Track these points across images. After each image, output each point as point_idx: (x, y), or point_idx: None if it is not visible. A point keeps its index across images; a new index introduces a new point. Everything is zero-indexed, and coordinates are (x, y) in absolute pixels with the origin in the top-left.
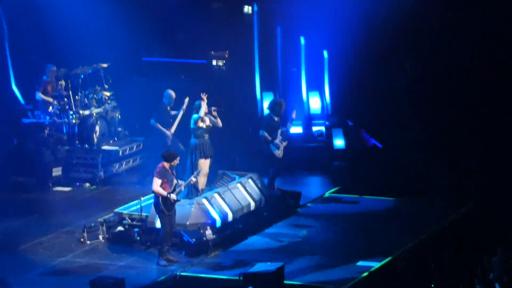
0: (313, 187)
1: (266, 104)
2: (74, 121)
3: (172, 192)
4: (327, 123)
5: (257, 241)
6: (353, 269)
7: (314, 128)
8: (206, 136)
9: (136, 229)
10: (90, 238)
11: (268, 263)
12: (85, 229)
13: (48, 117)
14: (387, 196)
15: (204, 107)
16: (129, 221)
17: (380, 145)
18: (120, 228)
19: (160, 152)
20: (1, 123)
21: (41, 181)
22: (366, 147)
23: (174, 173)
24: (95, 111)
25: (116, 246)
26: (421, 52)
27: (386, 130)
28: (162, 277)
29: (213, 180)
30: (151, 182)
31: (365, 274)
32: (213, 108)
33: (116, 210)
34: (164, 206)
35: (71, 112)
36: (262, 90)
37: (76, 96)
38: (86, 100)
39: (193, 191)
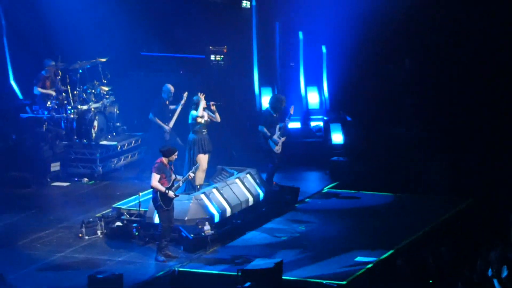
0: (312, 182)
1: (264, 99)
2: (72, 116)
3: (171, 187)
4: (325, 118)
5: (255, 236)
6: (352, 265)
7: (313, 124)
8: (205, 131)
9: (134, 225)
10: (89, 233)
11: (267, 258)
12: (84, 225)
13: (46, 112)
14: (386, 191)
15: (202, 106)
16: (128, 216)
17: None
18: (118, 223)
19: (159, 147)
20: None
21: (39, 176)
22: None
23: (173, 168)
24: (93, 106)
25: (115, 242)
26: (421, 48)
27: (385, 126)
28: (161, 273)
29: (211, 175)
30: (149, 177)
31: (363, 269)
32: (211, 103)
33: (115, 205)
34: (163, 201)
35: (70, 107)
36: (260, 85)
37: (75, 91)
38: (84, 95)
39: (191, 186)
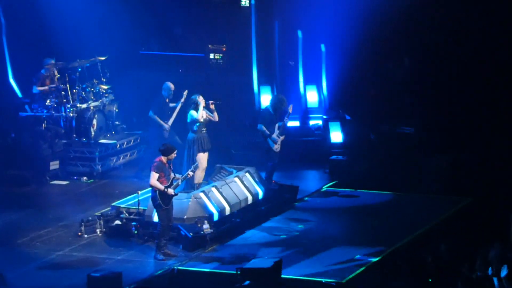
0: (311, 181)
1: (263, 97)
2: (71, 114)
3: (170, 186)
4: (324, 117)
5: (254, 235)
6: (351, 263)
7: (312, 122)
8: (204, 130)
9: (133, 223)
10: (88, 232)
11: (266, 257)
12: (83, 223)
13: (45, 111)
14: (385, 190)
15: (201, 108)
16: (127, 215)
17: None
18: (117, 222)
19: (158, 145)
20: None
21: (38, 174)
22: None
23: (172, 167)
24: (92, 104)
25: (114, 240)
26: (421, 47)
27: (384, 124)
28: (160, 271)
29: (210, 174)
30: (148, 176)
31: (363, 268)
32: (210, 102)
33: (114, 204)
34: (162, 200)
35: (69, 106)
36: (259, 83)
37: (74, 90)
38: (83, 93)
39: (190, 185)
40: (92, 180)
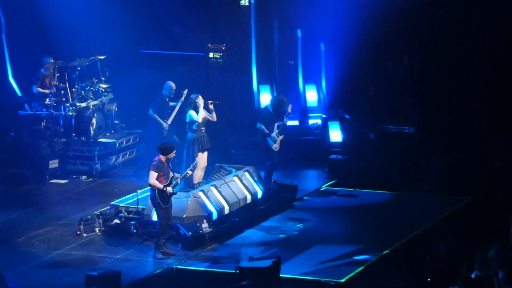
0: (310, 180)
1: (263, 97)
2: (70, 113)
3: (169, 185)
4: (323, 116)
5: (253, 234)
6: (350, 263)
7: (311, 121)
8: (203, 129)
9: (132, 222)
10: (87, 230)
11: (264, 256)
12: (82, 222)
13: (44, 109)
14: (384, 190)
15: (201, 110)
16: (126, 214)
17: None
18: (116, 221)
19: (157, 144)
20: None
21: (37, 173)
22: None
23: (171, 166)
24: (92, 103)
25: (113, 239)
26: (420, 46)
27: (383, 124)
28: (159, 270)
29: (209, 173)
30: (147, 175)
31: (362, 267)
32: (209, 101)
33: (113, 203)
34: (161, 199)
35: (68, 105)
36: (258, 83)
37: (73, 89)
38: (83, 92)
39: (189, 184)
40: (91, 179)
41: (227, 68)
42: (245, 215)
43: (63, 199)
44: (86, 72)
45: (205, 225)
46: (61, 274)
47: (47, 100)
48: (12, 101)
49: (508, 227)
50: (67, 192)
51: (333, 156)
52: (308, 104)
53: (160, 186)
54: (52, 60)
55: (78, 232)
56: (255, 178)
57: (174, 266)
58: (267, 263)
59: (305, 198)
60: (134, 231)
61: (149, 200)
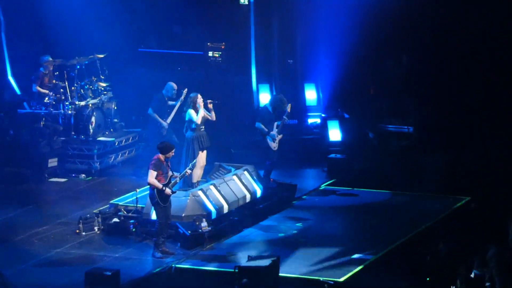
0: (309, 179)
1: (262, 96)
2: (70, 112)
3: (168, 184)
4: (323, 115)
5: (252, 233)
6: (349, 262)
7: (310, 120)
8: (202, 128)
9: (131, 221)
10: (86, 229)
11: (264, 255)
12: (81, 221)
13: (44, 108)
14: (384, 189)
15: (201, 111)
16: (125, 212)
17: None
18: (115, 219)
19: (156, 143)
20: None
21: (36, 172)
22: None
23: (169, 165)
24: (91, 102)
25: (112, 238)
26: (419, 45)
27: (383, 123)
28: (158, 269)
29: (209, 172)
30: (146, 174)
31: (361, 267)
32: (208, 101)
33: (112, 201)
34: (160, 198)
35: (67, 103)
36: (258, 82)
37: (72, 87)
38: (82, 91)
39: (188, 183)
40: (90, 178)
41: (226, 67)
42: (244, 214)
43: (62, 197)
44: (86, 71)
45: (204, 224)
46: (60, 273)
47: (46, 98)
48: (11, 99)
49: (507, 227)
50: (66, 190)
51: (332, 155)
52: (307, 103)
53: (159, 185)
54: (50, 59)
55: (77, 231)
56: (255, 177)
57: (173, 265)
58: (266, 262)
59: (304, 197)
60: (133, 229)
61: (148, 199)
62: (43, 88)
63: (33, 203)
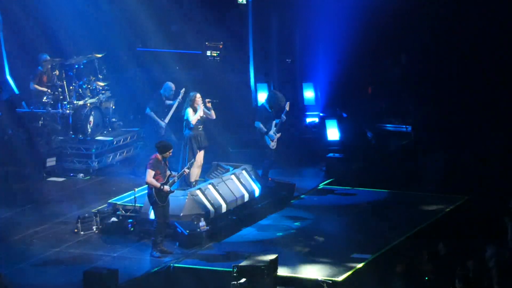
0: (307, 178)
1: (260, 95)
2: (68, 111)
3: (166, 183)
4: (321, 114)
5: (251, 232)
6: (347, 261)
7: (308, 120)
8: (200, 127)
9: (130, 220)
10: (84, 228)
11: (262, 254)
12: (79, 220)
13: (42, 107)
14: (382, 188)
15: (200, 111)
16: (123, 212)
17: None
18: (114, 219)
19: (154, 142)
20: None
21: (34, 171)
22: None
23: (168, 164)
24: (89, 101)
25: (110, 237)
26: (418, 43)
27: (381, 122)
28: (156, 268)
29: (207, 171)
30: (145, 173)
31: (359, 266)
32: (207, 100)
33: (110, 200)
34: (158, 197)
35: (65, 102)
36: (256, 81)
37: (71, 86)
38: (80, 90)
39: (186, 182)
40: (88, 177)
41: (224, 66)
42: (242, 213)
43: (60, 197)
44: (84, 70)
45: (202, 223)
46: (59, 272)
47: (45, 98)
48: (9, 99)
49: (505, 226)
50: (64, 190)
51: (330, 155)
52: (306, 102)
53: (157, 184)
54: (48, 58)
55: (76, 230)
56: (253, 177)
57: (171, 264)
58: (264, 261)
59: (303, 196)
60: (132, 229)
61: (147, 198)
62: (41, 87)
63: (31, 203)
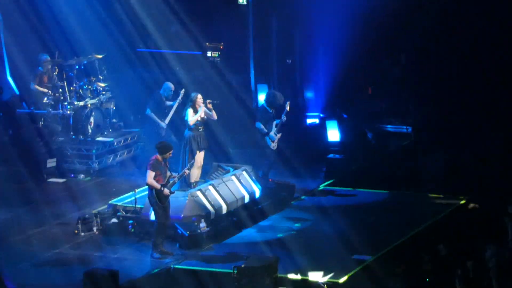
0: (307, 179)
1: (261, 96)
2: (68, 112)
3: (166, 184)
4: (321, 115)
5: (251, 234)
6: (348, 263)
7: (309, 120)
8: (201, 129)
9: (130, 221)
10: (84, 229)
11: (262, 256)
12: (79, 221)
13: (42, 108)
14: (382, 189)
15: (201, 111)
16: (123, 213)
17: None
18: (114, 220)
19: (154, 143)
20: None
21: (35, 172)
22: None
23: (168, 165)
24: (89, 102)
25: (110, 238)
26: (418, 43)
27: (381, 123)
28: (156, 270)
29: (207, 172)
30: (145, 174)
31: (360, 267)
32: (208, 101)
33: (111, 201)
34: (158, 198)
35: (66, 103)
36: (256, 82)
37: (71, 87)
38: (81, 91)
39: (186, 183)
40: (89, 178)
41: (225, 67)
42: (243, 214)
43: (61, 197)
44: (84, 71)
45: (203, 224)
46: (59, 273)
47: (45, 99)
48: (10, 99)
49: (505, 226)
50: (65, 190)
51: (331, 156)
52: (306, 103)
53: (158, 185)
54: (48, 58)
55: (76, 231)
56: (253, 177)
57: (171, 266)
58: (265, 262)
59: (303, 197)
60: (132, 230)
61: (147, 199)
62: (41, 88)
63: (32, 203)
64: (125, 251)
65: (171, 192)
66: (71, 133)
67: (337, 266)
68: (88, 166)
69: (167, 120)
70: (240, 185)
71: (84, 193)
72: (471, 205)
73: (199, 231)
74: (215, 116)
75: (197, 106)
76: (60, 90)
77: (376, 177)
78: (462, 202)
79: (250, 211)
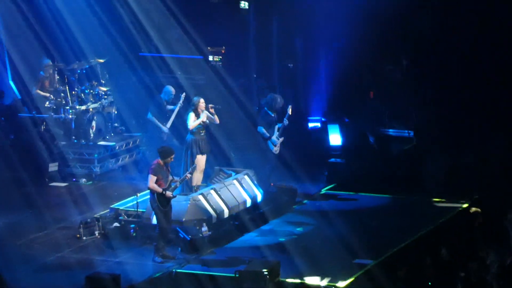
0: (309, 184)
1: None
2: (70, 116)
3: (168, 188)
4: (323, 119)
5: (253, 238)
6: (350, 267)
7: (310, 125)
8: (203, 133)
9: (132, 225)
10: (86, 234)
11: (264, 260)
12: (81, 225)
13: (44, 112)
14: (384, 193)
15: (204, 117)
16: (125, 217)
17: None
18: (116, 224)
19: (156, 147)
20: None
21: (37, 176)
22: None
23: (169, 169)
24: (91, 106)
25: (112, 242)
26: (419, 48)
27: (383, 127)
28: (158, 274)
29: (209, 176)
30: (147, 178)
31: (362, 271)
32: (210, 105)
33: (112, 206)
34: (160, 202)
35: (68, 107)
36: (258, 85)
37: (73, 91)
38: (82, 95)
39: (187, 187)
40: (91, 182)
41: (226, 71)
42: (244, 218)
43: (62, 202)
44: (86, 75)
45: (204, 228)
46: (61, 277)
47: (47, 103)
48: (12, 104)
49: (507, 231)
50: (66, 195)
51: (332, 160)
52: (308, 107)
53: (159, 189)
54: (50, 62)
55: (78, 235)
56: (255, 182)
57: (173, 270)
58: (266, 267)
59: (305, 201)
60: (134, 234)
61: (149, 204)
62: (43, 92)
63: (33, 208)
64: (127, 255)
65: (173, 196)
66: (73, 137)
67: (339, 270)
68: (90, 170)
69: (168, 124)
70: (242, 189)
71: (86, 197)
72: (473, 209)
73: (200, 235)
74: (217, 120)
75: (199, 110)
76: (62, 94)
77: (378, 181)
78: (465, 206)
79: (252, 215)
